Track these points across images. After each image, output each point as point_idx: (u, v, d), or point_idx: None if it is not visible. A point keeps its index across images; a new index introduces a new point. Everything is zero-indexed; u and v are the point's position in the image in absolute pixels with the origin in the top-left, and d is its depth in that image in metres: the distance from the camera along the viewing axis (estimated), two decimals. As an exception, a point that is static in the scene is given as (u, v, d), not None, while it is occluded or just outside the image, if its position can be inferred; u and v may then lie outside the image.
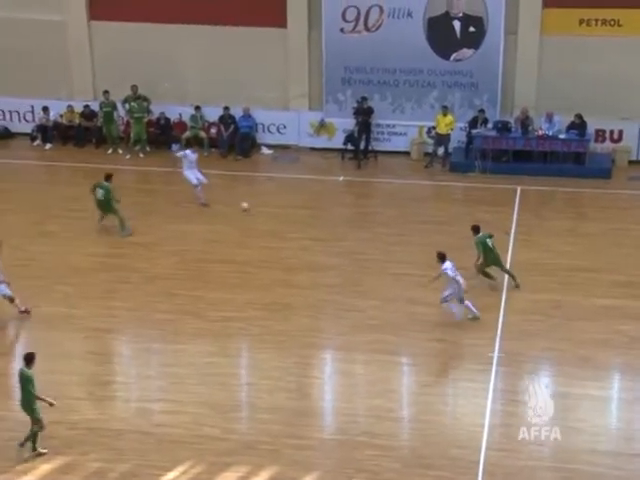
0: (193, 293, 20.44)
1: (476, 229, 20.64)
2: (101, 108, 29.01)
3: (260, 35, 28.54)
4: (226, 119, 28.92)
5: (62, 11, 29.17)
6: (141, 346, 19.06)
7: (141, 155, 28.63)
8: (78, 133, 29.44)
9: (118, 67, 29.42)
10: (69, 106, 29.59)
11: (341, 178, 27.48)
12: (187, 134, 29.06)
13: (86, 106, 29.40)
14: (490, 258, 20.49)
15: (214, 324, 19.42)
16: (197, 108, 28.97)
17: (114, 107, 28.91)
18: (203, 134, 28.96)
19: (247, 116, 28.93)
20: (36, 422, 15.63)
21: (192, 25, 28.72)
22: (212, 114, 29.09)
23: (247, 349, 19.27)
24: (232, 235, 23.31)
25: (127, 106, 28.87)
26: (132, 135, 28.75)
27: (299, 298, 20.47)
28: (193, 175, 24.98)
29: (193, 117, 29.10)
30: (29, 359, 15.76)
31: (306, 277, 21.36)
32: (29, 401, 15.62)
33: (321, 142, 29.15)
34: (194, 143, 28.69)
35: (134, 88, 28.83)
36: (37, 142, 29.50)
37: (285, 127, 29.28)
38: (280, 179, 27.46)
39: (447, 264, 19.07)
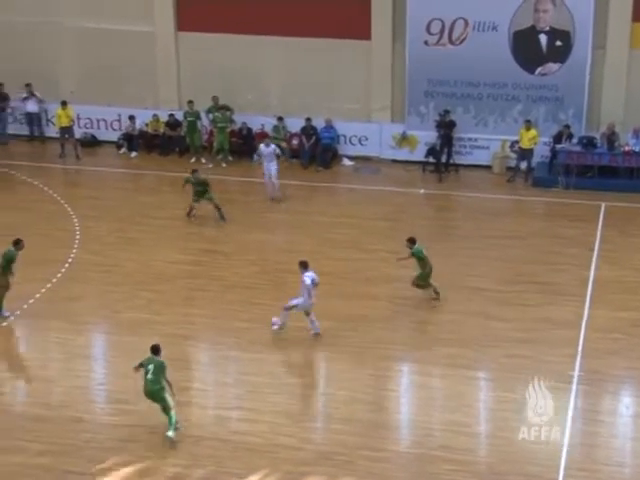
0: (272, 303, 20.54)
1: (412, 241, 20.50)
2: (185, 117, 29.39)
3: (344, 47, 28.63)
4: (308, 130, 29.07)
5: (151, 22, 29.65)
6: (219, 354, 19.23)
7: (223, 164, 28.91)
8: (163, 142, 29.87)
9: (203, 77, 29.79)
10: (154, 115, 30.05)
11: (422, 191, 27.39)
12: (269, 144, 29.26)
13: (171, 115, 29.82)
14: (428, 267, 20.38)
15: (291, 334, 19.49)
16: (280, 119, 29.18)
17: (198, 117, 29.27)
18: (285, 145, 29.14)
19: (329, 127, 29.04)
20: (167, 408, 16.17)
21: (276, 37, 28.94)
22: (294, 125, 29.26)
23: (324, 359, 19.30)
24: (311, 246, 23.39)
25: (211, 116, 29.21)
26: (215, 144, 29.07)
27: (376, 310, 20.44)
28: (266, 169, 25.75)
29: (275, 128, 29.30)
30: (157, 349, 16.46)
31: (384, 289, 21.32)
32: (161, 390, 16.18)
33: (403, 154, 29.10)
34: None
35: (215, 99, 29.16)
36: (123, 150, 30.00)
37: (367, 139, 29.30)
38: (361, 191, 27.47)
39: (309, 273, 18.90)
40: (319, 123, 29.01)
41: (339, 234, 24.09)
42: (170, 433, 16.16)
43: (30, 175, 27.62)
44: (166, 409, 16.25)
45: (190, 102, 29.15)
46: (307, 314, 19.24)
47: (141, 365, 16.58)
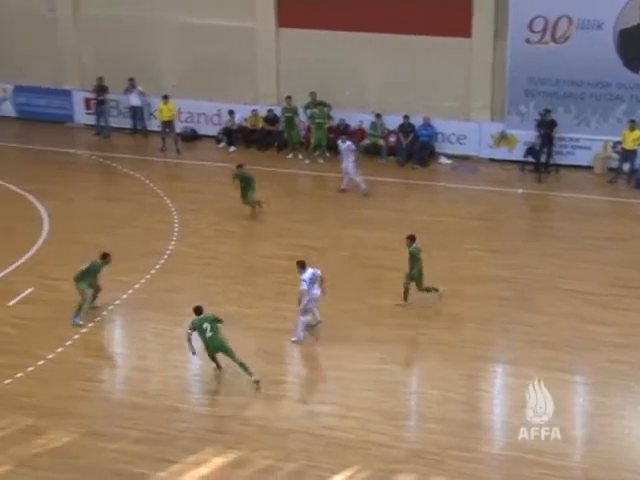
0: (365, 299, 20.56)
1: (412, 238, 20.19)
2: (283, 113, 29.60)
3: (444, 44, 28.46)
4: (406, 128, 28.98)
5: (252, 18, 29.93)
6: (311, 348, 19.31)
7: (320, 160, 29.02)
8: (261, 137, 30.12)
9: (301, 73, 29.94)
10: (253, 110, 30.32)
11: (520, 190, 27.06)
12: (366, 141, 29.29)
13: (270, 111, 30.06)
14: (417, 269, 20.03)
15: (384, 331, 19.48)
16: (378, 116, 29.16)
17: (296, 112, 29.43)
18: (382, 142, 29.11)
19: (427, 125, 28.90)
20: (234, 356, 17.41)
21: (376, 34, 28.91)
22: (392, 122, 29.19)
23: (417, 358, 19.26)
24: (404, 243, 23.29)
25: (308, 112, 29.35)
26: (312, 140, 29.20)
27: (469, 309, 20.29)
28: (344, 165, 26.18)
29: (373, 125, 29.30)
30: (199, 310, 17.71)
31: (478, 288, 21.15)
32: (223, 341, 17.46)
33: (501, 154, 28.79)
34: (372, 150, 28.94)
35: (313, 94, 29.28)
36: (222, 144, 30.36)
37: (465, 137, 29.08)
38: (457, 189, 27.28)
39: (307, 273, 18.83)
40: (417, 121, 28.90)
41: (434, 232, 23.96)
42: (254, 378, 17.34)
43: (132, 168, 28.15)
44: (235, 357, 17.42)
45: (288, 98, 29.34)
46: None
47: (194, 329, 17.46)
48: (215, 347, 17.58)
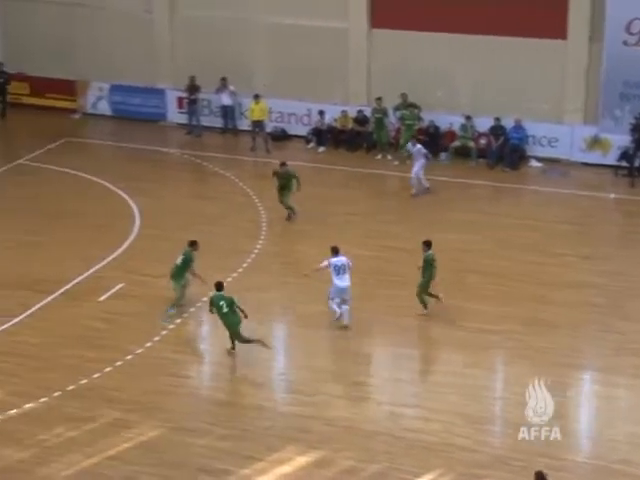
0: (450, 302, 20.43)
1: (428, 244, 19.88)
2: (373, 114, 29.58)
3: (538, 46, 28.07)
4: (497, 130, 28.68)
5: (345, 19, 29.97)
6: (396, 350, 19.27)
7: (409, 162, 28.89)
8: (350, 138, 30.14)
9: (392, 74, 29.86)
10: (343, 111, 30.36)
11: (612, 195, 26.57)
12: (456, 143, 29.09)
13: (360, 111, 30.07)
14: (428, 275, 19.74)
15: (469, 335, 19.34)
16: (468, 118, 28.93)
17: (385, 114, 29.38)
18: (472, 144, 28.88)
19: (518, 127, 28.56)
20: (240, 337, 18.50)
21: (468, 35, 28.69)
22: (482, 124, 28.92)
23: (501, 362, 19.05)
24: (490, 246, 23.13)
25: (398, 113, 29.26)
26: (401, 142, 29.11)
27: (557, 315, 20.00)
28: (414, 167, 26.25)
29: (463, 126, 29.08)
30: (220, 285, 18.78)
31: (566, 294, 20.83)
32: (235, 322, 18.42)
33: (594, 158, 28.28)
34: (462, 153, 28.73)
35: (404, 96, 29.18)
36: (311, 145, 30.48)
37: (557, 140, 28.65)
38: (547, 193, 26.89)
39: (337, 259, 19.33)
40: (508, 123, 28.58)
41: (522, 236, 23.69)
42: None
43: (222, 167, 28.44)
44: (239, 340, 18.48)
45: (378, 99, 29.30)
46: (343, 301, 19.50)
47: (212, 303, 18.53)
48: (227, 325, 18.50)
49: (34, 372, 18.22)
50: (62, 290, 21.13)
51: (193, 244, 20.48)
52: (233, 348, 18.82)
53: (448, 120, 29.35)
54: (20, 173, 27.90)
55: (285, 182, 24.64)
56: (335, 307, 19.63)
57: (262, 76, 31.03)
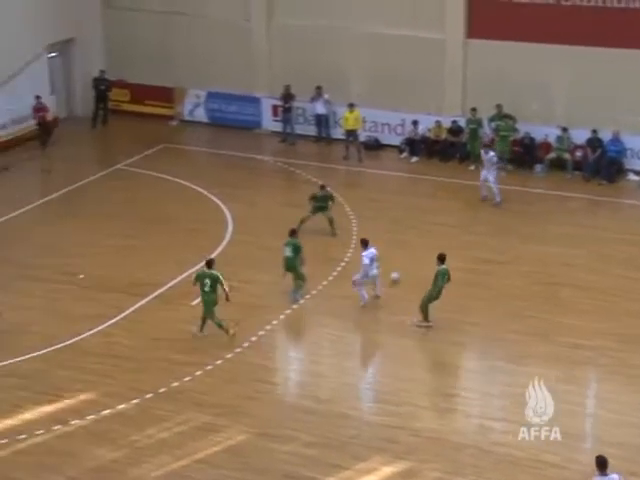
0: (544, 316, 20.16)
1: (442, 259, 19.81)
2: (468, 125, 29.38)
3: (635, 57, 27.52)
4: (594, 142, 28.19)
5: (442, 30, 29.84)
6: (487, 363, 19.10)
7: (502, 173, 28.62)
8: (444, 148, 29.99)
9: (488, 85, 29.61)
10: (437, 121, 30.22)
11: None
12: (551, 155, 28.69)
13: (454, 122, 29.89)
14: (439, 292, 19.57)
15: (562, 350, 19.04)
16: (564, 130, 28.51)
17: (480, 124, 29.16)
18: (568, 156, 28.44)
19: (616, 140, 28.03)
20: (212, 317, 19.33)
21: (564, 46, 28.30)
22: (579, 137, 28.48)
23: (595, 379, 18.72)
24: (588, 260, 22.73)
25: (493, 124, 29.02)
26: (496, 153, 28.83)
27: (656, 332, 19.59)
28: (483, 174, 26.32)
29: (559, 138, 28.66)
30: (210, 263, 19.67)
31: (667, 312, 20.39)
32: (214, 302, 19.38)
33: (695, 171, 27.61)
34: (557, 165, 28.32)
35: (499, 107, 28.91)
36: (404, 154, 30.40)
37: (656, 154, 28.07)
38: (645, 207, 26.38)
39: (368, 251, 20.36)
40: (605, 135, 28.08)
41: (619, 250, 23.24)
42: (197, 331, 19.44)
43: (315, 175, 28.54)
44: (211, 320, 19.34)
45: (473, 109, 29.10)
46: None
47: (197, 279, 19.43)
48: (203, 303, 19.46)
49: (127, 374, 18.56)
50: (156, 293, 21.49)
51: (293, 233, 21.36)
52: (201, 330, 19.63)
53: (544, 132, 28.97)
54: (118, 178, 28.49)
55: (322, 204, 24.58)
56: (364, 293, 20.63)
57: (357, 85, 31.09)
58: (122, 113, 33.20)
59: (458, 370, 19.11)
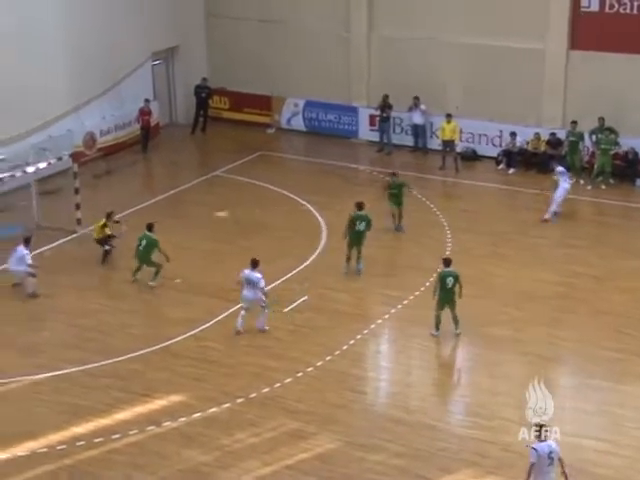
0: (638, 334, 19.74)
1: (447, 263, 19.72)
2: (568, 137, 28.94)
3: None
4: (698, 157, 27.55)
5: (542, 40, 29.48)
6: (581, 380, 18.77)
7: (602, 187, 28.12)
8: (542, 160, 29.58)
9: (589, 97, 29.11)
10: (536, 133, 29.84)
11: None
12: (656, 170, 28.11)
13: (552, 134, 29.48)
14: (443, 298, 19.36)
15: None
16: (668, 144, 27.91)
17: (580, 137, 28.69)
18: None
19: None
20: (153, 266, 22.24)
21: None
22: (684, 151, 27.84)
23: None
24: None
25: (594, 137, 28.54)
26: (596, 166, 28.35)
27: None
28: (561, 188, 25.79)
29: (663, 153, 28.07)
30: (151, 226, 22.20)
31: None
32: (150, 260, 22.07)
33: None
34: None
35: (601, 120, 28.41)
36: (501, 166, 30.10)
37: None
38: None
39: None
40: None
41: None
42: (151, 283, 22.10)
43: (410, 185, 28.41)
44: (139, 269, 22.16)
45: (574, 122, 28.64)
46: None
47: (139, 240, 22.00)
48: (137, 257, 22.10)
49: (219, 378, 18.77)
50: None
51: (361, 207, 22.58)
52: (134, 275, 22.27)
53: (649, 146, 28.37)
54: (215, 184, 28.87)
55: (396, 193, 24.91)
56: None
57: (454, 96, 30.93)
58: (221, 120, 33.65)
59: (552, 386, 18.78)
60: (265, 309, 20.20)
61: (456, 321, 19.97)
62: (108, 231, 23.40)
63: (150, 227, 22.33)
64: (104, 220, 23.50)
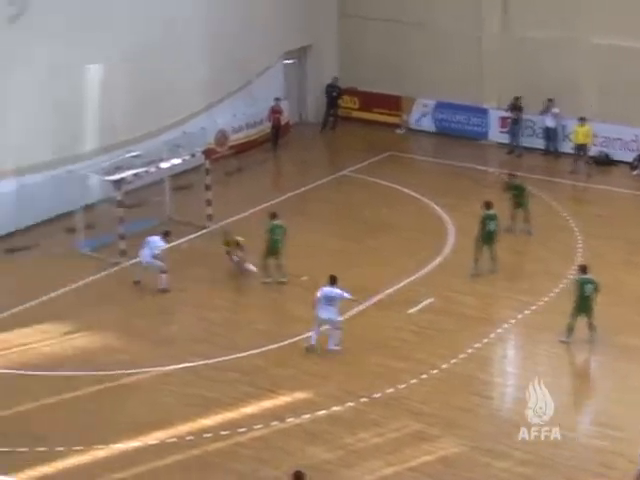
0: None
1: (583, 269, 18.99)
2: None
3: None
4: None
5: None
6: None
7: None
8: (680, 166, 28.76)
9: None
10: (674, 138, 29.06)
11: None
12: None
13: (691, 139, 28.62)
14: (580, 305, 18.59)
15: None
16: None
17: None
18: None
19: None
20: None
21: None
22: None
23: None
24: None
25: None
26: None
27: None
28: None
29: None
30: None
31: None
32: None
33: None
34: None
35: None
36: (637, 172, 29.32)
37: None
38: None
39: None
40: None
41: None
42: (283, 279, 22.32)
43: (539, 188, 27.85)
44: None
45: None
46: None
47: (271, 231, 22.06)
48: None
49: (343, 376, 18.86)
50: (374, 299, 21.71)
51: (489, 206, 22.64)
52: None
53: None
54: (343, 183, 28.98)
55: (519, 194, 24.60)
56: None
57: (589, 99, 30.25)
58: (351, 120, 33.75)
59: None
60: (338, 330, 19.63)
61: (593, 328, 19.57)
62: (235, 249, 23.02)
63: (275, 215, 22.51)
64: (236, 238, 23.00)
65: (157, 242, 22.28)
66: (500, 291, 22.22)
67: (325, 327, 19.59)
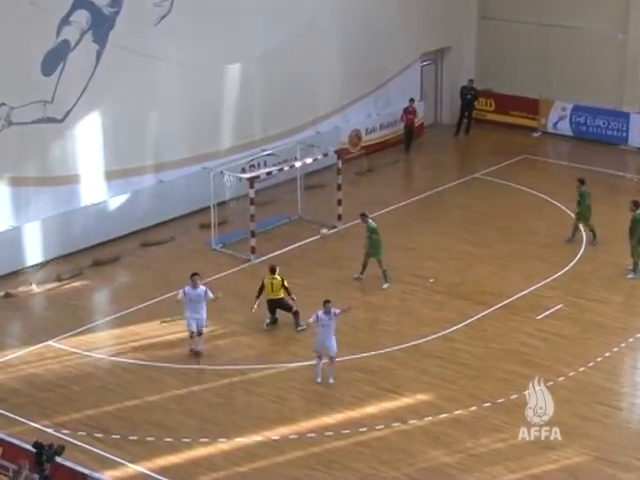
0: None
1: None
2: None
3: None
4: None
5: None
6: None
7: None
8: None
9: None
10: None
11: None
12: None
13: None
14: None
15: None
16: None
17: None
18: None
19: None
20: None
21: None
22: None
23: None
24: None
25: None
26: None
27: None
28: None
29: None
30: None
31: None
32: None
33: None
34: None
35: None
36: None
37: None
38: None
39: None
40: None
41: None
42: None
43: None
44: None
45: None
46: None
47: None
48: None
49: (466, 380, 18.71)
50: (501, 304, 21.45)
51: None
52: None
53: None
54: (474, 186, 28.70)
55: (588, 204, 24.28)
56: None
57: None
58: (485, 122, 33.42)
59: None
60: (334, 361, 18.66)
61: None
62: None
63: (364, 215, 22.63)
64: (280, 278, 20.67)
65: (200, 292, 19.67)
66: (633, 300, 21.63)
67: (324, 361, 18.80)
